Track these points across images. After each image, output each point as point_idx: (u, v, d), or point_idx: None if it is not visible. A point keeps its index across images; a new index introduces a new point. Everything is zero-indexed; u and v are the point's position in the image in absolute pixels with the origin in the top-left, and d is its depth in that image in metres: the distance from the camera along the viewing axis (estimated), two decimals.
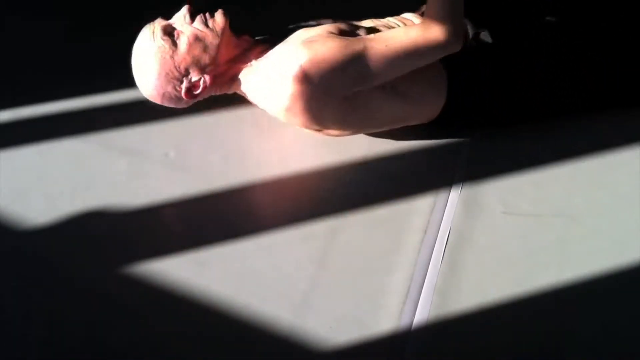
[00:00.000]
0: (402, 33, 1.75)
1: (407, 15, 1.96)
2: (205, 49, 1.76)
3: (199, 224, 1.79)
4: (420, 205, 1.82)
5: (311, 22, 1.89)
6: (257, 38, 1.90)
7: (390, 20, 1.94)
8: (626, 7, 1.95)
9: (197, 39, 1.75)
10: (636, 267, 1.69)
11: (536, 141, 1.94)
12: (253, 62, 1.82)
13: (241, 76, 1.83)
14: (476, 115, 1.91)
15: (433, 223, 1.78)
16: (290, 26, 1.89)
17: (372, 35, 1.77)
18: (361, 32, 1.82)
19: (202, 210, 1.81)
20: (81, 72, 2.15)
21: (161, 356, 1.57)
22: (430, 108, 1.87)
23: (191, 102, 1.84)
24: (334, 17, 1.93)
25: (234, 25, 1.82)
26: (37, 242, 1.76)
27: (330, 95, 1.74)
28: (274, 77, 1.74)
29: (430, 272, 1.70)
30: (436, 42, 1.74)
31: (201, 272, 1.69)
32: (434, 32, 1.73)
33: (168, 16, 1.83)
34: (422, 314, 1.62)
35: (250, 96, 1.85)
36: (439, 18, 1.73)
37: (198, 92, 1.80)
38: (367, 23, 1.92)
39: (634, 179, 1.85)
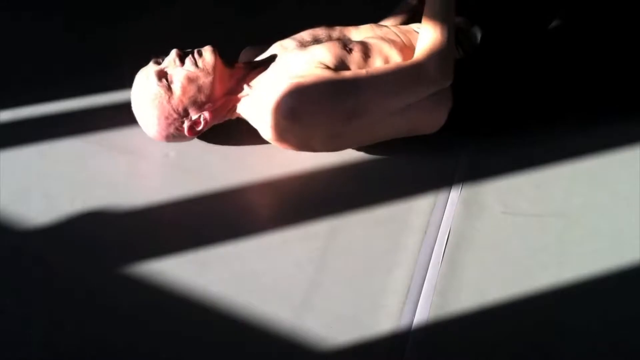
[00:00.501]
0: (393, 71, 1.77)
1: (413, 26, 1.95)
2: (199, 89, 1.78)
3: (199, 224, 1.79)
4: (420, 205, 1.82)
5: (305, 38, 1.87)
6: (247, 54, 1.91)
7: (390, 28, 1.93)
8: (630, 12, 1.94)
9: (190, 80, 1.78)
10: (636, 267, 1.69)
11: (536, 141, 1.94)
12: (246, 88, 1.84)
13: (239, 104, 1.86)
14: (481, 121, 1.91)
15: (433, 223, 1.78)
16: (274, 48, 1.89)
17: (363, 72, 1.77)
18: (356, 52, 1.80)
19: (202, 210, 1.81)
20: (81, 72, 2.15)
21: (161, 356, 1.57)
22: (434, 119, 1.87)
23: (195, 136, 1.88)
24: (331, 20, 1.92)
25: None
26: (37, 242, 1.76)
27: (319, 131, 1.78)
28: (264, 110, 1.77)
29: (430, 272, 1.70)
30: (427, 81, 1.77)
31: (201, 272, 1.69)
32: (426, 71, 1.76)
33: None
34: (422, 314, 1.62)
35: (249, 121, 1.88)
36: (430, 55, 1.75)
37: (200, 128, 1.84)
38: (366, 30, 1.90)
39: (634, 179, 1.85)
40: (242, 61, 1.92)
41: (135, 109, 1.85)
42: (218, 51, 1.81)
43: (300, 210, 1.80)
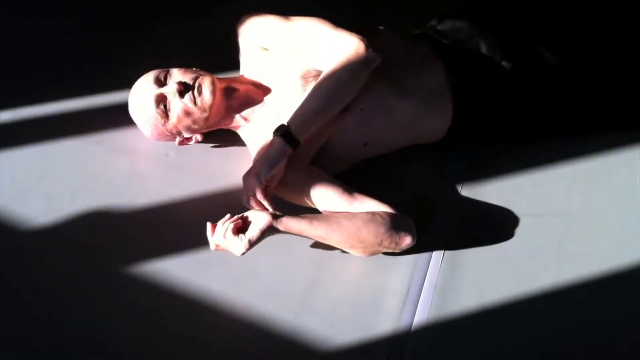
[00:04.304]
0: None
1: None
2: (194, 121, 1.83)
3: (199, 224, 1.79)
4: (421, 205, 1.81)
5: (311, 72, 1.81)
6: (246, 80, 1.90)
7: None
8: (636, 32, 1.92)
9: (187, 113, 1.81)
10: (636, 267, 1.69)
11: (536, 141, 1.94)
12: (241, 120, 1.87)
13: (233, 126, 1.89)
14: (481, 136, 1.90)
15: (433, 223, 1.78)
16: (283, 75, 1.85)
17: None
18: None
19: (202, 210, 1.81)
20: (81, 72, 2.15)
21: (161, 356, 1.57)
22: (433, 134, 1.87)
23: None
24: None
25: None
26: (37, 242, 1.76)
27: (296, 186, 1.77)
28: (252, 152, 1.83)
29: (430, 272, 1.70)
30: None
31: (201, 272, 1.69)
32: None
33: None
34: (422, 314, 1.62)
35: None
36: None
37: (191, 143, 1.91)
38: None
39: (634, 179, 1.85)
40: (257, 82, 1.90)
41: (132, 114, 1.88)
42: (218, 86, 1.82)
43: (300, 210, 1.80)
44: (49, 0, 2.36)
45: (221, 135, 1.93)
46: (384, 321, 1.61)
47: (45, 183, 1.88)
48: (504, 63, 1.84)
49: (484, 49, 1.85)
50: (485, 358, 1.57)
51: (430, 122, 1.84)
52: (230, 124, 1.89)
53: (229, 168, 1.90)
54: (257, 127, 1.85)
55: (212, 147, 1.95)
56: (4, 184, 1.86)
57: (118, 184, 1.88)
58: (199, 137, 1.89)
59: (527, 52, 1.85)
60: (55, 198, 1.84)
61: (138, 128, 1.90)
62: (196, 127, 1.84)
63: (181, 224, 1.80)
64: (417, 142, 1.88)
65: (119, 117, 1.98)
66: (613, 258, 1.70)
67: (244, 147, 1.91)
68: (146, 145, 1.93)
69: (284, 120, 1.72)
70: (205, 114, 1.80)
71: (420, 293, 1.66)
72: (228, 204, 1.82)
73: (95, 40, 2.24)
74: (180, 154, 1.94)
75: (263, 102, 1.85)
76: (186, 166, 1.92)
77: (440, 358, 1.58)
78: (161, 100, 1.80)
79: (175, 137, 1.88)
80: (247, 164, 1.83)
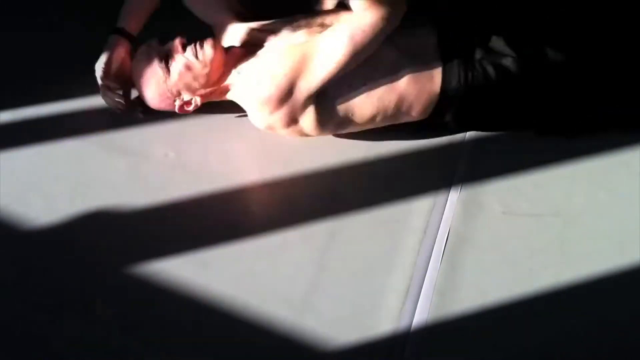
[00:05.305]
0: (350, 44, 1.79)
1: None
2: (195, 77, 1.87)
3: (199, 224, 1.79)
4: (420, 206, 1.82)
5: (301, 24, 1.86)
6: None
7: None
8: (634, 20, 1.93)
9: (188, 68, 1.86)
10: (636, 267, 1.69)
11: (536, 141, 1.94)
12: (235, 73, 1.89)
13: (229, 83, 1.91)
14: (472, 115, 1.90)
15: (432, 223, 1.78)
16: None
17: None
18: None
19: (202, 210, 1.82)
20: (81, 72, 2.15)
21: (160, 356, 1.57)
22: (420, 102, 1.87)
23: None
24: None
25: None
26: (37, 242, 1.76)
27: (296, 112, 1.82)
28: (247, 99, 1.87)
29: (430, 272, 1.70)
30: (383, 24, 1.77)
31: (201, 272, 1.69)
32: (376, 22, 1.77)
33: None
34: (422, 314, 1.62)
35: (238, 101, 1.92)
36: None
37: (190, 108, 1.93)
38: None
39: (634, 179, 1.85)
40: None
41: (135, 79, 1.93)
42: (218, 44, 1.87)
43: (300, 210, 1.80)
44: (49, 0, 2.37)
45: (221, 134, 1.93)
46: (384, 321, 1.61)
47: (45, 183, 1.88)
48: (503, 61, 1.84)
49: (483, 49, 1.86)
50: (485, 358, 1.57)
51: (416, 80, 1.83)
52: (225, 81, 1.90)
53: (229, 168, 1.90)
54: (242, 78, 1.88)
55: (212, 147, 1.95)
56: (4, 184, 1.86)
57: (118, 184, 1.88)
58: (198, 100, 1.90)
59: (526, 52, 1.86)
60: (55, 198, 1.84)
61: (138, 128, 1.90)
62: (196, 84, 1.87)
63: (181, 224, 1.80)
64: (408, 111, 1.87)
65: (119, 117, 1.98)
66: (613, 258, 1.70)
67: (243, 147, 1.92)
68: (146, 145, 1.93)
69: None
70: (207, 69, 1.84)
71: (420, 293, 1.66)
72: (228, 204, 1.82)
73: (95, 40, 2.24)
74: (180, 154, 1.94)
75: (256, 55, 1.89)
76: (186, 166, 1.92)
77: (440, 358, 1.58)
78: (163, 57, 1.86)
79: (175, 100, 1.90)
80: (248, 164, 1.83)
